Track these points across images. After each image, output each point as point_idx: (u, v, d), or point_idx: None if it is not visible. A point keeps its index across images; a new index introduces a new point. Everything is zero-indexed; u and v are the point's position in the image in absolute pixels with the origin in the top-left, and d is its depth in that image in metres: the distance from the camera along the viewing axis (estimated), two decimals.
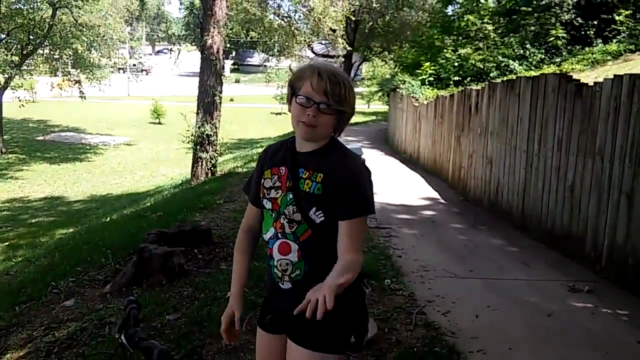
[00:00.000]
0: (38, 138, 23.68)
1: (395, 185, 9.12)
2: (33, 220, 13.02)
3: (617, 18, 12.63)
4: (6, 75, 19.65)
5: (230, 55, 49.27)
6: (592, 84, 5.20)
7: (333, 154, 1.79)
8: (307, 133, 1.75)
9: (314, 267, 1.77)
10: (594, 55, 12.39)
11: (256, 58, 38.03)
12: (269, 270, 1.87)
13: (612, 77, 4.85)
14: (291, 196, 1.77)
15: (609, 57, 12.14)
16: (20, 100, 20.53)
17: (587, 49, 12.99)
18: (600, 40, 13.03)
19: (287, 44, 17.77)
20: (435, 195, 8.76)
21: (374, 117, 25.26)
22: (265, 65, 24.50)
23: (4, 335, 4.02)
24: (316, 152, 1.79)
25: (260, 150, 15.54)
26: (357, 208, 1.73)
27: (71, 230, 10.64)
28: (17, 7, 20.34)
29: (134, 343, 1.62)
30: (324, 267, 1.74)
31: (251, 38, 21.28)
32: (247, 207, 2.00)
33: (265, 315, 1.94)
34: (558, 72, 9.79)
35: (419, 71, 14.95)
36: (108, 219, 9.74)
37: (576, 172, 5.34)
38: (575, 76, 5.89)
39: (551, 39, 13.33)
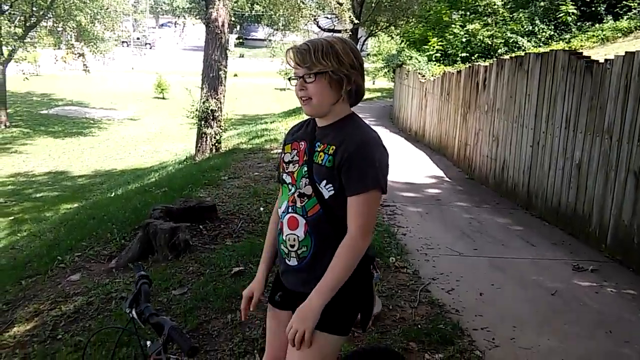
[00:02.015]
0: (42, 112, 23.63)
1: (400, 163, 9.07)
2: (37, 195, 13.08)
3: None
4: (9, 48, 19.52)
5: (235, 29, 48.79)
6: (602, 61, 5.12)
7: (347, 127, 1.78)
8: (307, 108, 1.79)
9: (320, 246, 1.76)
10: (604, 32, 12.20)
11: (261, 32, 37.66)
12: (278, 247, 1.88)
13: (623, 54, 4.78)
14: (305, 169, 1.77)
15: (619, 34, 11.96)
16: (24, 74, 20.42)
17: (597, 25, 12.78)
18: (611, 17, 12.81)
19: (292, 17, 17.53)
20: (440, 173, 8.72)
21: (379, 94, 25.04)
22: (270, 40, 24.23)
23: (11, 308, 4.05)
24: (332, 125, 1.80)
25: (264, 126, 15.50)
26: (360, 183, 1.69)
27: (76, 205, 10.68)
28: None
29: (144, 319, 1.61)
30: (331, 248, 1.74)
31: (256, 12, 21.01)
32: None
33: (275, 292, 1.96)
34: (567, 48, 9.64)
35: (426, 47, 14.76)
36: (113, 194, 9.76)
37: (584, 151, 5.29)
38: (584, 53, 5.80)
39: (561, 15, 13.12)
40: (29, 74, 20.75)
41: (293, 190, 1.80)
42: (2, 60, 19.73)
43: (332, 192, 1.74)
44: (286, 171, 1.85)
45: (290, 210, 1.80)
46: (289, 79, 1.83)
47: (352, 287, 1.75)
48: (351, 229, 1.70)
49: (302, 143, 1.84)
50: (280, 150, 2.03)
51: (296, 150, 1.85)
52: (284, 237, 1.82)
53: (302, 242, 1.78)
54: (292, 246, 1.80)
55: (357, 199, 1.70)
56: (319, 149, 1.77)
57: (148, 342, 1.58)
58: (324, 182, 1.74)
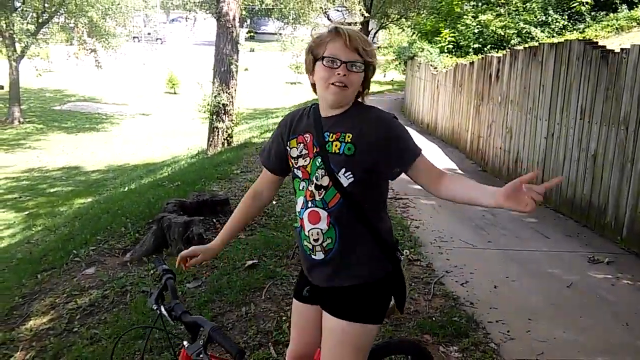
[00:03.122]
0: (55, 108, 23.82)
1: None
2: (52, 190, 13.20)
3: None
4: (22, 44, 19.66)
5: (245, 23, 48.71)
6: (618, 50, 5.04)
7: (360, 114, 1.75)
8: (338, 94, 1.70)
9: (345, 237, 1.74)
10: (619, 22, 12.03)
11: (271, 26, 37.56)
12: (301, 244, 1.84)
13: (639, 43, 4.70)
14: (320, 160, 1.73)
15: (634, 24, 11.78)
16: (37, 70, 20.58)
17: (611, 14, 12.60)
18: (625, 6, 12.62)
19: (302, 11, 17.45)
20: (453, 165, 8.68)
21: (389, 87, 24.91)
22: (280, 34, 24.16)
23: (27, 301, 4.10)
24: (341, 115, 1.76)
25: (276, 120, 15.50)
26: (411, 152, 1.72)
27: (89, 199, 10.77)
28: None
29: (175, 316, 1.57)
30: (357, 239, 1.74)
31: (266, 5, 20.95)
32: (262, 173, 1.99)
33: (301, 287, 1.93)
34: (582, 38, 9.54)
35: (438, 38, 14.66)
36: (126, 188, 9.83)
37: (599, 142, 5.23)
38: (599, 43, 5.72)
39: (575, 4, 12.95)
40: (42, 70, 20.88)
41: (305, 184, 1.77)
42: (16, 57, 19.90)
43: (352, 179, 1.71)
44: (296, 166, 1.81)
45: (309, 205, 1.76)
46: (314, 58, 1.74)
47: (381, 274, 1.76)
48: (443, 173, 1.74)
49: (308, 135, 1.79)
50: (269, 135, 1.99)
51: (303, 144, 1.79)
52: (307, 233, 1.78)
53: (326, 234, 1.75)
54: (317, 240, 1.76)
55: (420, 161, 1.72)
56: (330, 139, 1.73)
57: (185, 342, 1.54)
58: (343, 170, 1.70)
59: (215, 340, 1.44)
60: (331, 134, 1.74)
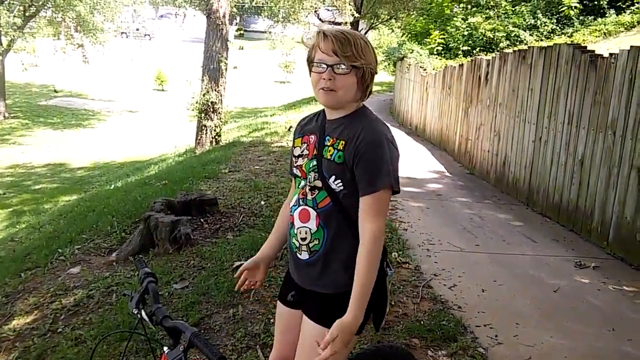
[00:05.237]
0: (41, 103, 23.54)
1: (400, 157, 9.03)
2: (36, 187, 13.04)
3: None
4: (8, 38, 19.39)
5: (235, 21, 48.47)
6: (606, 55, 5.08)
7: (358, 121, 1.73)
8: (328, 99, 1.71)
9: (333, 238, 1.74)
10: (607, 27, 12.15)
11: (261, 24, 37.42)
12: (289, 241, 1.85)
13: (627, 48, 4.74)
14: (314, 163, 1.74)
15: (621, 29, 11.91)
16: (23, 64, 20.31)
17: (599, 19, 12.72)
18: (613, 11, 12.76)
19: (293, 9, 17.41)
20: (441, 168, 8.70)
21: (378, 88, 24.91)
22: (270, 32, 24.07)
23: (10, 301, 4.03)
24: (343, 119, 1.75)
25: (265, 119, 15.44)
26: (371, 183, 1.66)
27: (75, 197, 10.66)
28: None
29: (157, 321, 1.55)
30: (343, 243, 1.73)
31: (256, 3, 20.87)
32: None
33: (286, 291, 1.92)
34: (570, 42, 9.60)
35: (428, 40, 14.69)
36: (112, 186, 9.73)
37: (586, 147, 5.27)
38: (588, 47, 5.76)
39: (563, 8, 13.05)
40: (28, 64, 20.62)
41: (303, 183, 1.78)
42: (2, 51, 19.62)
43: (342, 187, 1.71)
44: (295, 165, 1.83)
45: (301, 203, 1.78)
46: (308, 64, 1.74)
47: None
48: (366, 230, 1.67)
49: (312, 136, 1.80)
50: (289, 143, 1.99)
51: (306, 144, 1.81)
52: (295, 231, 1.79)
53: (314, 235, 1.75)
54: (304, 239, 1.77)
55: (368, 199, 1.67)
56: (328, 143, 1.73)
57: (165, 348, 1.52)
58: (333, 177, 1.71)
59: (196, 346, 1.43)
60: (330, 138, 1.74)
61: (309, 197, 1.75)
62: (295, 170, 1.83)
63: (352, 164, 1.68)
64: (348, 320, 1.62)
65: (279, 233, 1.97)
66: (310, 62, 1.73)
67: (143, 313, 1.59)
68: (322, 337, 1.68)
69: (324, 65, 1.67)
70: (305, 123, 1.89)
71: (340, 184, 1.71)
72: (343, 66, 1.66)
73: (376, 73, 1.77)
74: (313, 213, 1.74)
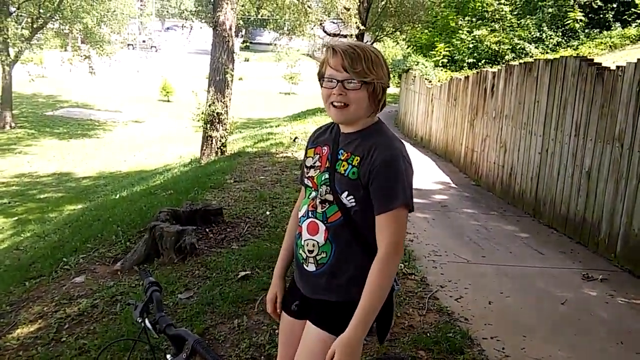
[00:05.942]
0: (47, 113, 23.69)
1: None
2: (42, 196, 13.08)
3: (636, 1, 12.36)
4: (16, 49, 19.58)
5: (240, 33, 48.82)
6: (613, 67, 5.08)
7: (373, 137, 1.71)
8: (339, 115, 1.70)
9: (340, 254, 1.72)
10: (612, 39, 12.18)
11: (266, 36, 37.69)
12: (296, 251, 1.83)
13: (634, 60, 4.73)
14: (326, 176, 1.72)
15: (627, 42, 11.93)
16: (30, 75, 20.49)
17: (605, 32, 12.76)
18: (619, 24, 12.78)
19: (298, 22, 17.52)
20: (447, 179, 8.68)
21: None
22: (275, 44, 24.21)
23: (14, 310, 4.02)
24: (357, 133, 1.73)
25: (270, 130, 15.48)
26: (387, 201, 1.64)
27: (80, 206, 10.67)
28: None
29: (160, 329, 1.54)
30: (352, 257, 1.71)
31: (262, 15, 21.01)
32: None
33: (290, 301, 1.90)
34: (576, 55, 9.61)
35: (433, 52, 14.75)
36: (118, 195, 9.74)
37: (594, 158, 5.24)
38: (594, 60, 5.76)
39: (569, 21, 13.09)
40: (35, 75, 20.80)
41: (314, 194, 1.76)
42: (9, 62, 19.80)
43: (354, 203, 1.69)
44: (307, 175, 1.81)
45: (310, 215, 1.76)
46: (320, 79, 1.73)
47: None
48: (381, 248, 1.64)
49: (325, 148, 1.78)
50: (294, 154, 1.97)
51: (319, 155, 1.79)
52: (303, 242, 1.78)
53: (322, 248, 1.73)
54: (311, 251, 1.75)
55: (385, 217, 1.64)
56: (342, 157, 1.71)
57: (168, 356, 1.51)
58: (345, 193, 1.69)
59: (199, 353, 1.42)
60: (344, 153, 1.72)
61: (319, 210, 1.73)
62: (306, 181, 1.81)
63: (367, 181, 1.66)
64: (349, 335, 1.58)
65: (287, 251, 1.96)
66: (321, 77, 1.72)
67: (147, 322, 1.59)
68: (321, 342, 1.67)
69: (335, 81, 1.66)
70: (320, 134, 1.87)
71: (353, 200, 1.68)
72: (354, 82, 1.65)
73: (388, 87, 1.74)
74: (322, 227, 1.72)
